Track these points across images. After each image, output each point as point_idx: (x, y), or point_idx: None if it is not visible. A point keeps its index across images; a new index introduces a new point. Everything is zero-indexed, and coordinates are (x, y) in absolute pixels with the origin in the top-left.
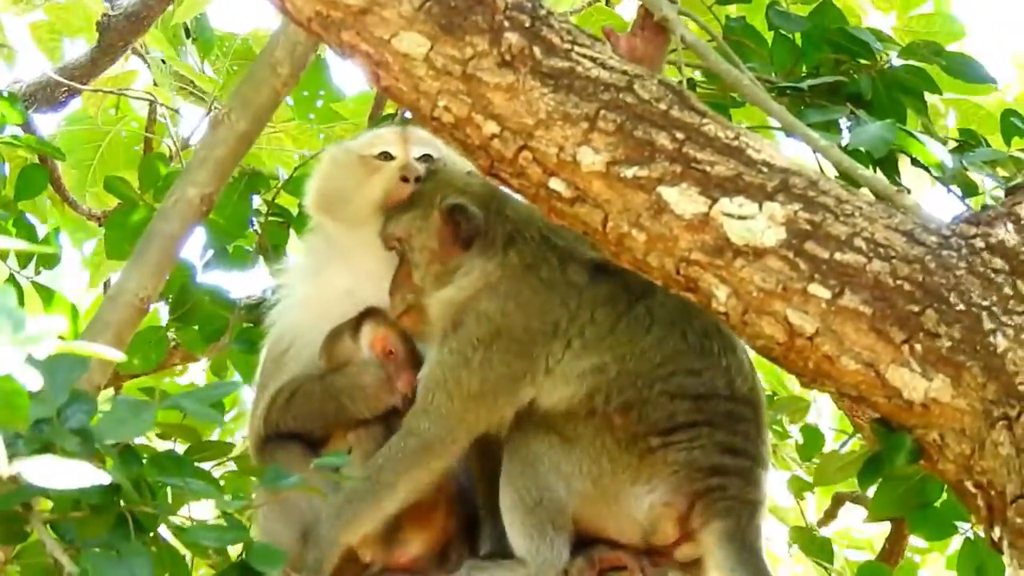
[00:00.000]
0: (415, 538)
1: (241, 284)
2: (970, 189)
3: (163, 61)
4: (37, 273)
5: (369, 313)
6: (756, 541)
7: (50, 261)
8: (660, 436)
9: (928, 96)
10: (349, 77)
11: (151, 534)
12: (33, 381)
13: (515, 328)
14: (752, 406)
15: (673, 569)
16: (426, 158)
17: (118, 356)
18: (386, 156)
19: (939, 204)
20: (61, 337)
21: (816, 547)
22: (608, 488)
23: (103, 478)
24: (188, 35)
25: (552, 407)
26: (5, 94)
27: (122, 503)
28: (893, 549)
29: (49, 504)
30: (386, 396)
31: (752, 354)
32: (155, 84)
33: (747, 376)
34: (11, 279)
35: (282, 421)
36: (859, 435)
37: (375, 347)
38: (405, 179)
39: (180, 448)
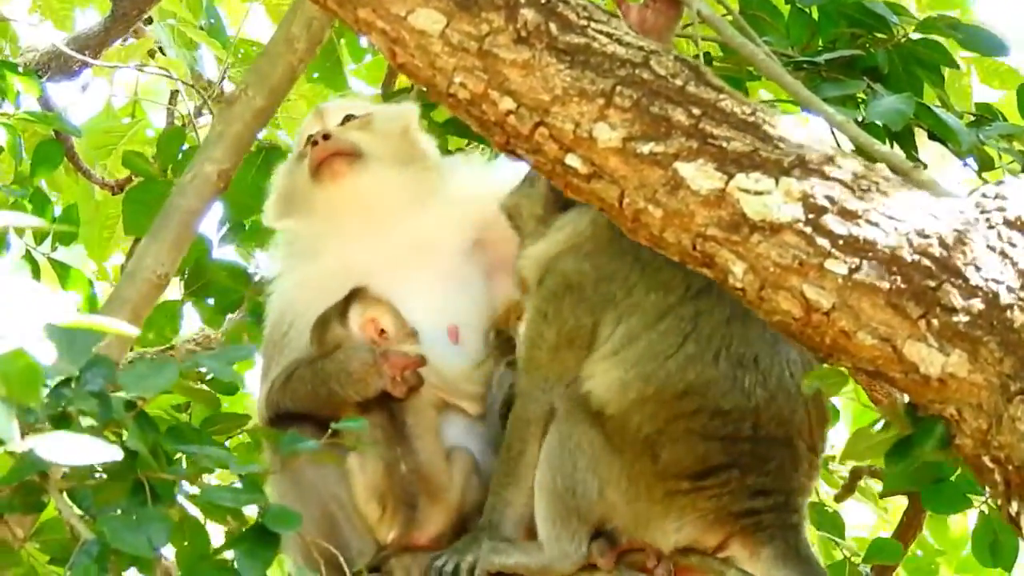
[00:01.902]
0: (432, 515)
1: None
2: (987, 163)
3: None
4: (53, 249)
5: (355, 294)
6: (809, 554)
7: (67, 238)
8: (690, 480)
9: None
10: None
11: (169, 501)
12: (47, 355)
13: (586, 286)
14: (783, 443)
15: (695, 555)
16: (347, 119)
17: (132, 331)
18: (313, 141)
19: (956, 179)
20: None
21: (827, 522)
22: (640, 513)
23: (116, 453)
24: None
25: (591, 391)
26: (21, 68)
27: (139, 470)
28: (910, 523)
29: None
30: (374, 380)
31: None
32: (161, 53)
33: (778, 411)
34: (27, 255)
35: (282, 403)
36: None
37: (364, 329)
38: (315, 142)
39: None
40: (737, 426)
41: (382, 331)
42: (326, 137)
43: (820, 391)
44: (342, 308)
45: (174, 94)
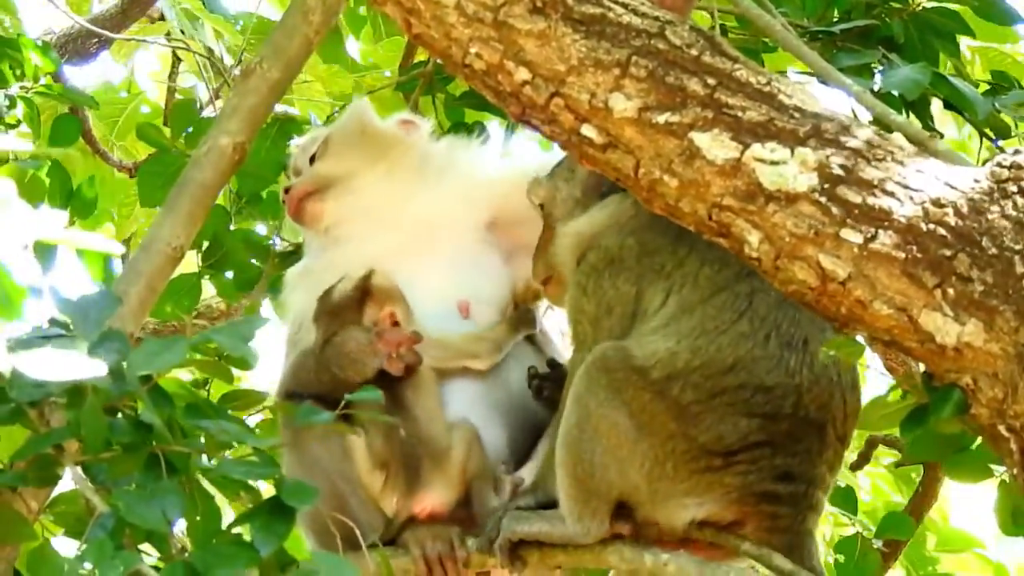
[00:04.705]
0: (435, 480)
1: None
2: (1003, 132)
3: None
4: (72, 223)
5: (368, 286)
6: (815, 564)
7: (85, 211)
8: (724, 457)
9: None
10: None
11: (183, 475)
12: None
13: (627, 259)
14: (818, 425)
15: (710, 528)
16: (312, 158)
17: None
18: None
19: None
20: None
21: (840, 496)
22: (659, 490)
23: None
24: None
25: (641, 362)
26: (39, 43)
27: (154, 443)
28: (926, 493)
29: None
30: (371, 360)
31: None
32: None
33: (820, 394)
34: None
35: (293, 393)
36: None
37: (383, 322)
38: (286, 190)
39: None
40: (779, 404)
41: (396, 323)
42: (287, 191)
43: (857, 385)
44: (357, 299)
45: (175, 66)
